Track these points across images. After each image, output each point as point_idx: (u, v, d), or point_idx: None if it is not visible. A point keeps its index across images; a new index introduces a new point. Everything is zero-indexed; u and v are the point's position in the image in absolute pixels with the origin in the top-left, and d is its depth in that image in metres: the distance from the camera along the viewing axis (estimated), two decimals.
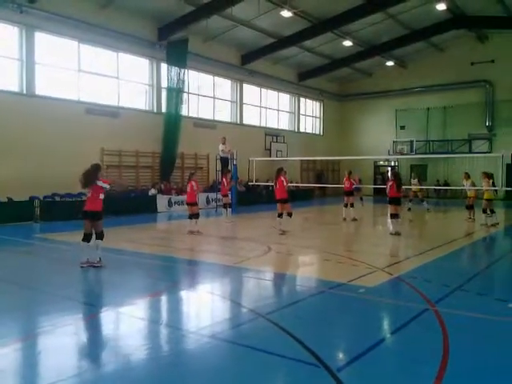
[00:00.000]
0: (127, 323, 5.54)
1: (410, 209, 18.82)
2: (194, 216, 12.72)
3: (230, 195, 16.72)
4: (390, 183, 12.71)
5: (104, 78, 19.55)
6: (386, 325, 5.59)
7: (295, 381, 3.96)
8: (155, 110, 21.41)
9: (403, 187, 14.04)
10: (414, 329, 5.19)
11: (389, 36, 26.37)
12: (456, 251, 10.37)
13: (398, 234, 12.24)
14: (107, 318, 5.74)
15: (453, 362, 4.19)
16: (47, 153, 16.77)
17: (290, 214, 12.78)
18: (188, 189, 13.12)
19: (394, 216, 12.48)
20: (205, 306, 6.46)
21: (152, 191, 19.71)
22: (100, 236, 8.41)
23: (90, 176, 8.22)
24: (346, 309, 6.03)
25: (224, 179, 16.01)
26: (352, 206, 16.31)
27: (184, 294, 7.05)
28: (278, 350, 4.45)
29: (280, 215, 12.74)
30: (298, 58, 28.03)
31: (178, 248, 10.95)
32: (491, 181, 14.75)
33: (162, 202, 19.45)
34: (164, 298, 6.69)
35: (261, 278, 7.94)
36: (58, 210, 15.75)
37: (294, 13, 20.53)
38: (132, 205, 18.16)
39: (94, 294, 6.61)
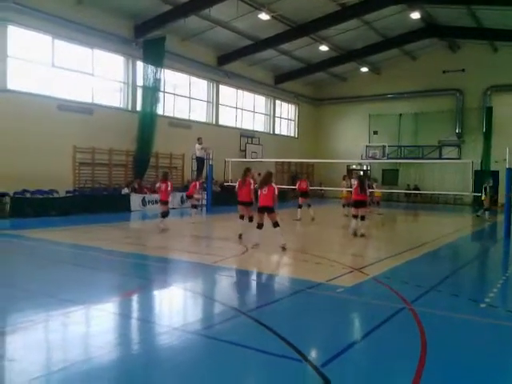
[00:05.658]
0: (107, 319, 5.46)
1: (381, 213, 19.11)
2: (165, 214, 12.96)
3: (201, 195, 17.47)
4: (354, 186, 12.95)
5: (78, 75, 19.18)
6: (365, 322, 5.68)
7: (282, 375, 3.98)
8: (130, 108, 21.15)
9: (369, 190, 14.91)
10: (393, 326, 5.31)
11: (364, 42, 26.84)
12: (428, 253, 10.62)
13: (361, 235, 12.32)
14: (85, 314, 5.64)
15: (430, 358, 4.31)
16: (17, 148, 16.30)
17: (250, 219, 11.83)
18: (163, 188, 13.13)
19: (356, 217, 12.62)
20: (186, 304, 6.43)
21: (125, 190, 19.45)
22: (277, 225, 10.02)
23: (267, 179, 10.16)
24: (325, 307, 6.10)
25: (196, 183, 16.40)
26: (309, 206, 16.54)
27: (165, 291, 6.99)
28: (262, 345, 4.48)
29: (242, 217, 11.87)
30: (275, 61, 28.17)
31: (154, 247, 10.84)
32: (345, 182, 18.80)
33: (135, 200, 19.21)
34: (144, 296, 6.61)
35: (241, 278, 7.97)
36: (28, 207, 15.41)
37: (272, 16, 20.68)
38: (105, 203, 17.86)
39: (70, 291, 6.47)
